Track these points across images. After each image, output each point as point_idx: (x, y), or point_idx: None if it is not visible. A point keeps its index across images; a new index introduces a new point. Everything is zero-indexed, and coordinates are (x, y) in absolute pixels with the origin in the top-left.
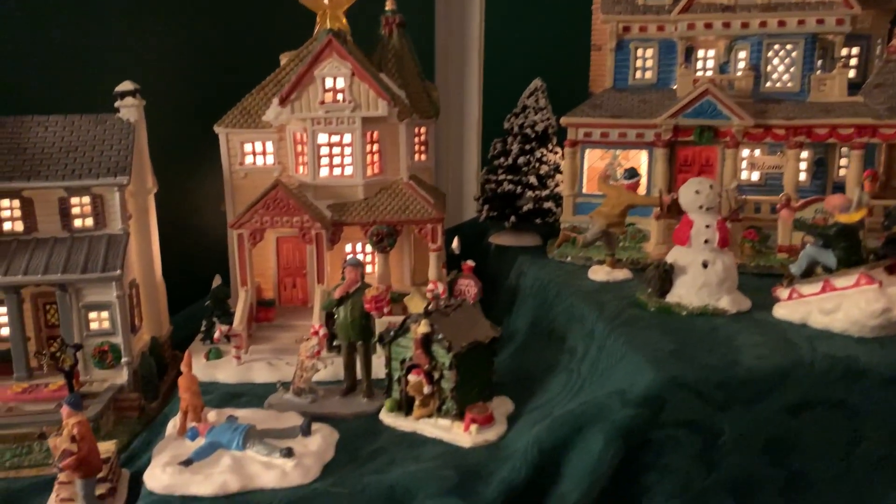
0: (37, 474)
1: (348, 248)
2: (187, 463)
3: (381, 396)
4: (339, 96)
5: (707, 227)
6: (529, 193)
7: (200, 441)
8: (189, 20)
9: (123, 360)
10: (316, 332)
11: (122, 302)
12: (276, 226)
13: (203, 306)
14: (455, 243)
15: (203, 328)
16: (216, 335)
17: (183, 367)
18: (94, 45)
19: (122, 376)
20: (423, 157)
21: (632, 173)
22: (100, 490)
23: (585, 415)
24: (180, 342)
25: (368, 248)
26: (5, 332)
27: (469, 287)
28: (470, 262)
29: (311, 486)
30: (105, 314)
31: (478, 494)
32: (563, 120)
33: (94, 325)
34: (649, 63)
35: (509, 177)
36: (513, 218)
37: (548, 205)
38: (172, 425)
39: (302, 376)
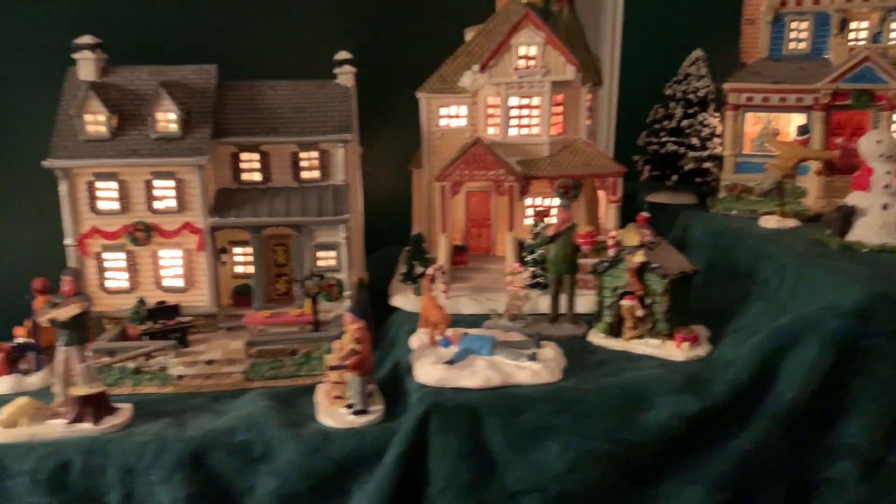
0: (290, 384)
1: (529, 201)
2: (450, 363)
3: (584, 325)
4: (531, 63)
5: (887, 173)
6: (691, 154)
7: (453, 348)
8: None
9: (346, 293)
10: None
11: (348, 242)
12: (474, 179)
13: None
14: None
15: (404, 270)
16: (429, 271)
17: (424, 292)
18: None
19: (344, 308)
20: (589, 122)
21: (804, 130)
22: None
23: (800, 327)
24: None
25: (547, 201)
26: (239, 269)
27: (645, 237)
28: (644, 213)
29: (558, 383)
30: (332, 253)
31: (707, 392)
32: (728, 86)
33: (321, 263)
34: (803, 35)
35: (672, 139)
36: (674, 177)
37: (706, 165)
38: (417, 340)
39: (515, 304)
